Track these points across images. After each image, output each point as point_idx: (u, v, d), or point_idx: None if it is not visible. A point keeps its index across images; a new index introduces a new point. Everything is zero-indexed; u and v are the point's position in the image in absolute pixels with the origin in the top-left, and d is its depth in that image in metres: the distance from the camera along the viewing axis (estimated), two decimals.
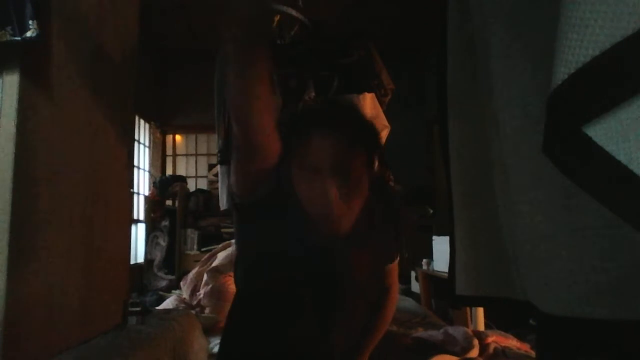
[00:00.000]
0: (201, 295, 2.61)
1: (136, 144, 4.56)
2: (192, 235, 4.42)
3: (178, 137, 5.56)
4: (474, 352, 1.64)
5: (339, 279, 0.91)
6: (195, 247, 4.37)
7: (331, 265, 0.89)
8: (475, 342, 1.68)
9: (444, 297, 3.10)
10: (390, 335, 1.88)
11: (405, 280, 3.91)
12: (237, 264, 1.01)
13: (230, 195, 0.97)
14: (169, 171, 5.35)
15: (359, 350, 1.11)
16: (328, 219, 0.84)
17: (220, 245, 3.15)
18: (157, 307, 2.70)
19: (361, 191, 0.86)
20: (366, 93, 1.74)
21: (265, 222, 0.87)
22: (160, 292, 3.86)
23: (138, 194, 4.70)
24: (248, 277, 0.97)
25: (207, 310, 2.52)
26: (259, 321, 0.93)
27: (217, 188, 2.38)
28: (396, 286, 1.17)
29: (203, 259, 3.01)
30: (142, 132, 4.89)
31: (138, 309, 1.42)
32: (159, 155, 5.23)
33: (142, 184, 4.87)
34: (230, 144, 1.94)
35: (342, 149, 0.83)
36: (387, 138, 1.86)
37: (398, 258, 1.10)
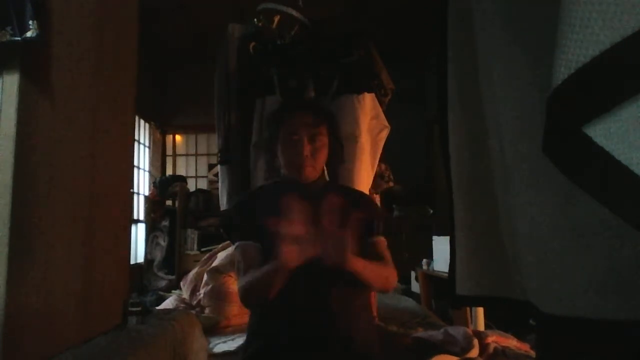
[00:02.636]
0: (201, 295, 2.61)
1: (136, 144, 4.56)
2: (192, 235, 4.42)
3: (178, 137, 5.56)
4: (474, 352, 1.64)
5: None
6: (195, 247, 4.36)
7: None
8: (475, 342, 1.68)
9: (444, 297, 3.10)
10: (390, 335, 1.88)
11: (405, 280, 3.91)
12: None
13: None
14: (169, 171, 5.35)
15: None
16: (301, 167, 1.22)
17: (220, 245, 3.15)
18: (157, 307, 2.70)
19: (323, 152, 1.26)
20: (366, 93, 1.74)
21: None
22: (160, 292, 3.86)
23: (138, 194, 4.70)
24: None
25: (207, 310, 2.52)
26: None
27: (217, 188, 2.38)
28: (388, 256, 1.27)
29: (203, 259, 3.00)
30: (142, 132, 4.89)
31: (138, 309, 1.41)
32: (159, 155, 5.23)
33: (142, 184, 4.88)
34: (230, 143, 1.94)
35: (309, 123, 1.24)
36: (387, 138, 1.86)
37: (381, 236, 1.29)
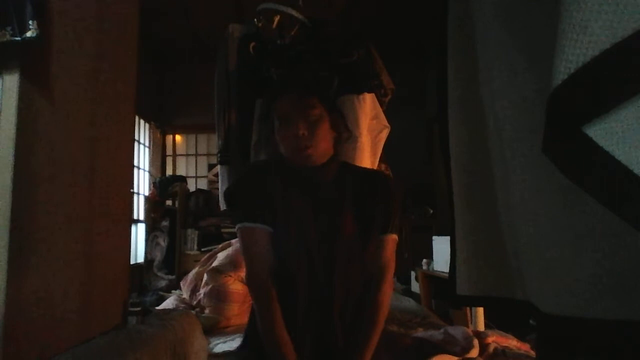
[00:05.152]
0: (201, 295, 2.61)
1: (136, 144, 4.57)
2: (192, 235, 4.41)
3: (178, 137, 5.56)
4: (474, 352, 1.64)
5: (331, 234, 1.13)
6: (195, 247, 4.36)
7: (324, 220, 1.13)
8: (475, 342, 1.68)
9: (444, 297, 3.10)
10: (390, 335, 1.88)
11: (405, 280, 3.91)
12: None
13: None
14: (169, 171, 5.35)
15: (361, 342, 1.10)
16: (299, 149, 1.11)
17: (220, 245, 3.14)
18: (157, 307, 2.70)
19: (321, 127, 1.13)
20: (366, 93, 1.74)
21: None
22: (160, 292, 3.86)
23: (138, 194, 4.70)
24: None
25: (207, 310, 2.52)
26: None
27: (217, 188, 2.39)
28: (392, 265, 1.20)
29: (203, 259, 3.00)
30: (142, 132, 4.89)
31: (138, 309, 1.42)
32: (159, 155, 5.23)
33: (142, 184, 4.87)
34: (230, 144, 1.94)
35: (296, 99, 1.14)
36: (387, 138, 1.86)
37: (393, 233, 1.20)
